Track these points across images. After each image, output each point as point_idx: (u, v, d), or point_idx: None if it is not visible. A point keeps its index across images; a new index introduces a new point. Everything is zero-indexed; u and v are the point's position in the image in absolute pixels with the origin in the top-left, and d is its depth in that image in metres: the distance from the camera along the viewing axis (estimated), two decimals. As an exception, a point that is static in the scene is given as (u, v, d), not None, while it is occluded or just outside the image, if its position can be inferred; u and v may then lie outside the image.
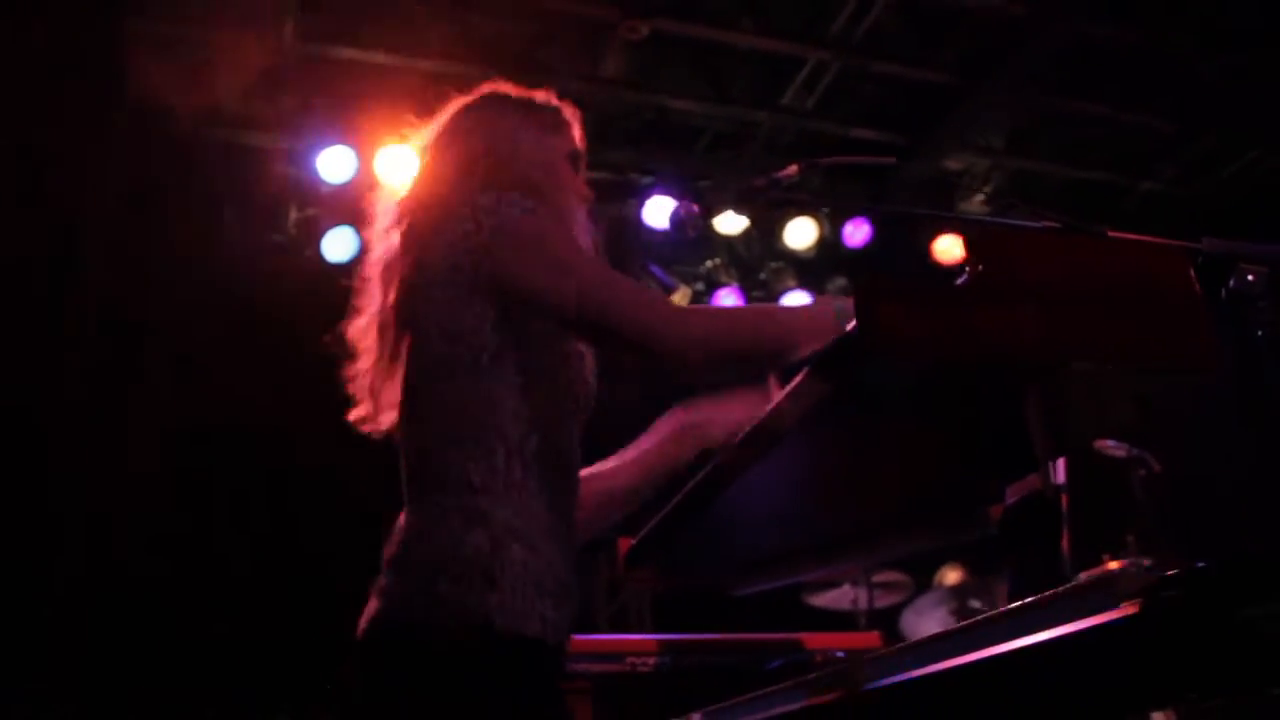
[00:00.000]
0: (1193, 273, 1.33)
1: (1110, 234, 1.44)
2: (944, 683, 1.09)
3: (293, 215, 6.11)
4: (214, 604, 5.40)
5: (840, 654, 2.54)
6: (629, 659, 2.37)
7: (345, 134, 5.78)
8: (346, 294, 1.97)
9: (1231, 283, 1.43)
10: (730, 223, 6.58)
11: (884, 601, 5.13)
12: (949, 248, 7.43)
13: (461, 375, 1.66)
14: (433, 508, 1.64)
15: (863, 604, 4.95)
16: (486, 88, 1.99)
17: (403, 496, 1.74)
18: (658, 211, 6.06)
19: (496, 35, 5.76)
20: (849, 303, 1.67)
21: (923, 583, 5.41)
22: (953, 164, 7.31)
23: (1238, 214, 7.42)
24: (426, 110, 2.04)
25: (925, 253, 7.22)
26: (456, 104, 1.99)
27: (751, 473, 1.65)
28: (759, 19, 5.91)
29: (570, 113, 1.99)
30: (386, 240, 1.92)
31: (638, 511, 2.01)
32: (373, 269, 1.93)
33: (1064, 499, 1.56)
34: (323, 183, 5.79)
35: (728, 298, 6.89)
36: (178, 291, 5.76)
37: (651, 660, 2.42)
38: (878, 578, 4.96)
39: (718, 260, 6.92)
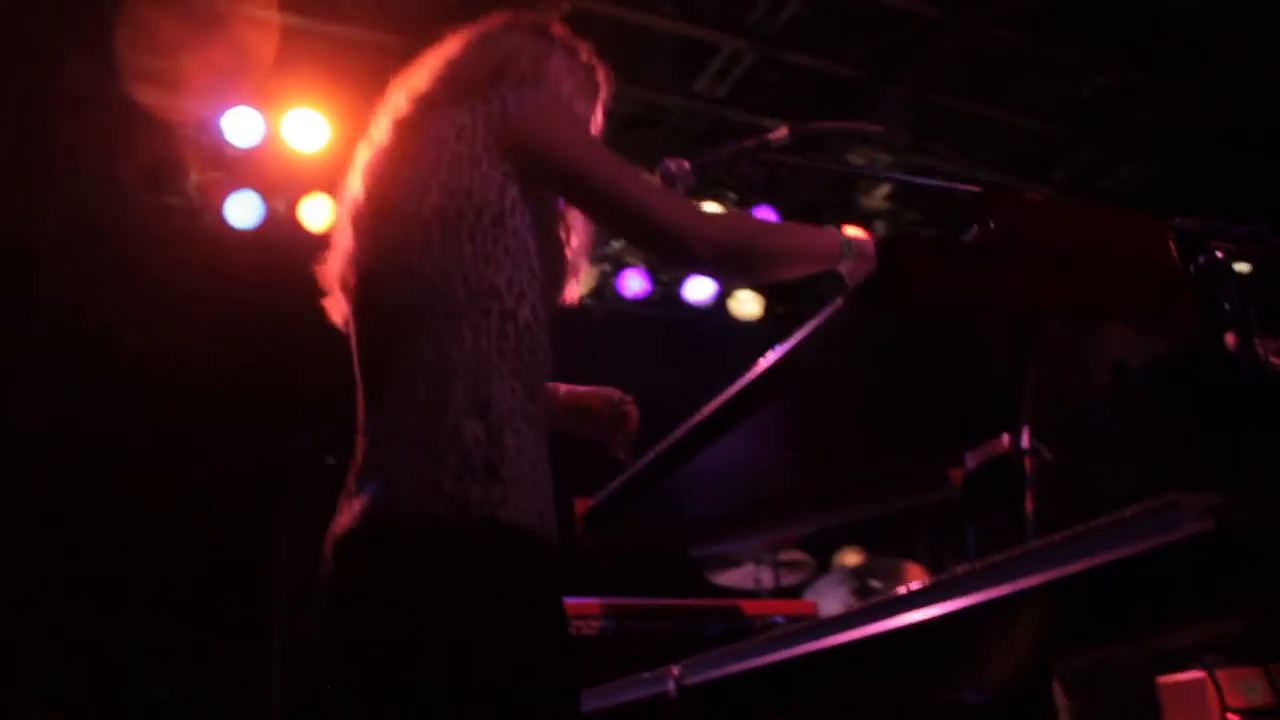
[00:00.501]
0: (1174, 246, 1.40)
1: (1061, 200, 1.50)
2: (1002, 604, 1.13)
3: (192, 178, 5.94)
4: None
5: (779, 619, 2.59)
6: (574, 622, 2.37)
7: (252, 97, 5.64)
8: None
9: (1201, 259, 1.50)
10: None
11: (787, 580, 5.24)
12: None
13: (457, 228, 1.59)
14: (421, 382, 1.54)
15: (766, 582, 5.04)
16: (531, 17, 1.91)
17: (366, 377, 1.66)
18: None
19: (412, 3, 5.69)
20: (855, 237, 1.71)
21: (824, 563, 5.55)
22: (856, 158, 7.47)
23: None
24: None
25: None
26: (497, 19, 1.90)
27: (723, 437, 1.68)
28: (680, 4, 5.94)
29: (604, 75, 1.95)
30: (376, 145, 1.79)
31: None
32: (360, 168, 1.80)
33: (1028, 462, 1.63)
34: (228, 146, 5.63)
35: (633, 280, 6.94)
36: (70, 249, 5.57)
37: (596, 624, 2.43)
38: (781, 557, 5.06)
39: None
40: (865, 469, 1.87)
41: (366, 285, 1.70)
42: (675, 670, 1.57)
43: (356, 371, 1.69)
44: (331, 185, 5.85)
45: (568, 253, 1.78)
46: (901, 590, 1.35)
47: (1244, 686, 5.00)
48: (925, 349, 1.45)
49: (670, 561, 3.14)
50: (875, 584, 5.12)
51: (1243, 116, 7.02)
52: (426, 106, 1.74)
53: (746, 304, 7.47)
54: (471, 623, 1.42)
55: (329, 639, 1.52)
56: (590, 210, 1.73)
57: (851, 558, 5.78)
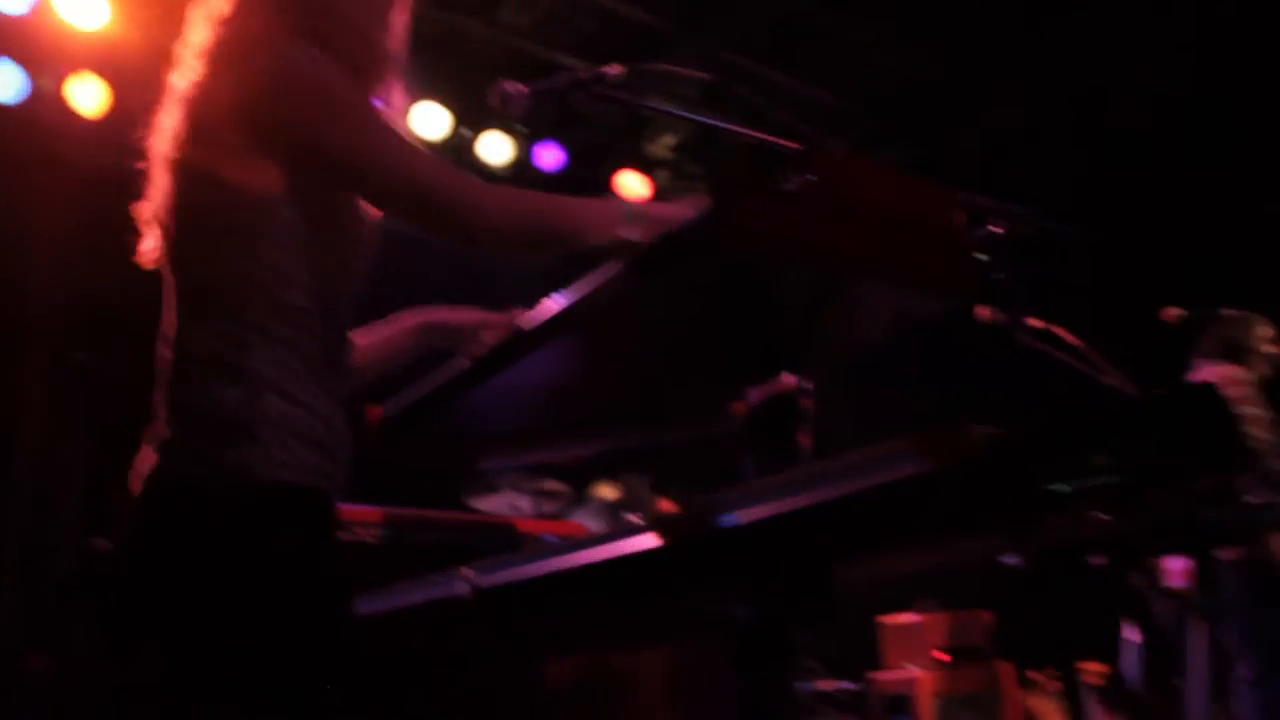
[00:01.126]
0: (962, 213, 1.55)
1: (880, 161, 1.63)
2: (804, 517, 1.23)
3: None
4: None
5: (552, 538, 2.68)
6: (356, 528, 2.39)
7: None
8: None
9: (980, 232, 1.67)
10: (430, 126, 6.52)
11: (545, 509, 5.33)
12: (632, 184, 7.75)
13: (220, 225, 1.64)
14: (189, 361, 1.64)
15: (525, 509, 5.11)
16: None
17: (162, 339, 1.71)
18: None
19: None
20: (635, 205, 1.79)
21: (580, 495, 5.69)
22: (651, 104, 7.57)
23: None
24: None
25: (609, 187, 7.48)
26: None
27: (525, 359, 1.75)
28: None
29: None
30: (190, 71, 1.79)
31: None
32: (174, 101, 1.79)
33: (809, 400, 1.77)
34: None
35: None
36: None
37: (376, 531, 2.46)
38: (540, 486, 5.14)
39: (435, 157, 6.84)
40: (656, 397, 1.97)
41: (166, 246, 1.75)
42: (468, 572, 1.64)
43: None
44: (106, 67, 5.56)
45: (358, 226, 1.79)
46: (676, 507, 1.47)
47: (955, 628, 5.52)
48: (729, 291, 1.55)
49: (432, 485, 3.19)
50: (630, 517, 5.30)
51: (1020, 118, 7.55)
52: (217, 51, 1.74)
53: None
54: (235, 577, 1.52)
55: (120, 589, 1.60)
56: (368, 198, 1.75)
57: (605, 491, 5.95)
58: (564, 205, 1.77)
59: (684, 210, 1.67)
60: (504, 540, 2.66)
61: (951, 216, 1.53)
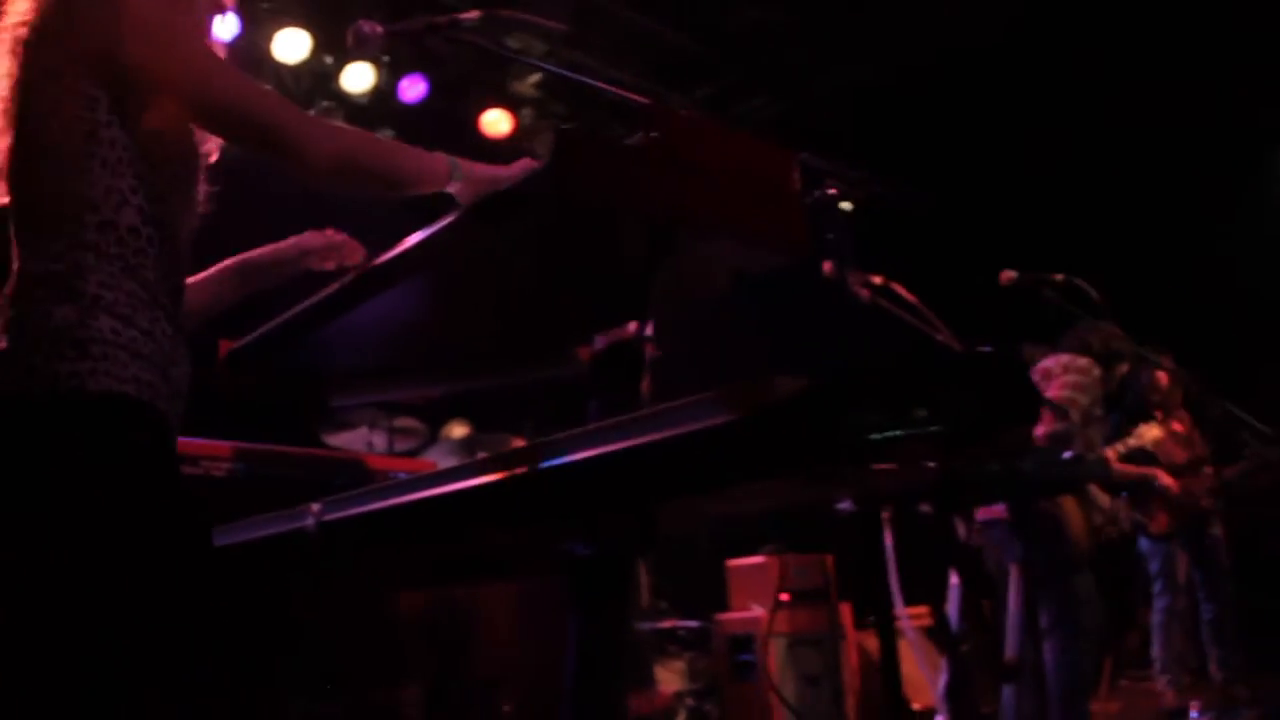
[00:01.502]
0: (797, 174, 1.63)
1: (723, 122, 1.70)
2: (587, 470, 1.31)
3: None
4: None
5: (402, 475, 2.71)
6: (203, 462, 2.39)
7: None
8: None
9: (816, 193, 1.76)
10: (289, 50, 6.37)
11: (400, 446, 5.37)
12: (496, 120, 7.70)
13: (52, 144, 1.65)
14: (24, 280, 1.65)
15: (379, 446, 5.14)
16: None
17: None
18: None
19: None
20: (461, 162, 1.83)
21: (434, 433, 5.73)
22: (513, 42, 7.52)
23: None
24: None
25: (473, 123, 7.43)
26: None
27: (376, 298, 1.78)
28: None
29: None
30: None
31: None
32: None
33: (649, 348, 1.85)
34: None
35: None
36: None
37: (226, 465, 2.46)
38: (395, 423, 5.17)
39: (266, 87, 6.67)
40: (504, 340, 2.03)
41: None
42: (315, 507, 1.68)
43: None
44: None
45: (193, 153, 1.80)
46: (520, 445, 1.53)
47: (798, 571, 5.73)
48: (572, 240, 1.61)
49: (288, 421, 3.18)
50: (482, 455, 5.36)
51: (876, 76, 7.76)
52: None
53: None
54: (69, 488, 1.53)
55: None
56: (201, 119, 1.75)
57: (459, 430, 6.00)
58: (391, 148, 1.81)
59: (513, 172, 1.73)
60: (354, 476, 2.68)
61: (787, 177, 1.61)
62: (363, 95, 6.84)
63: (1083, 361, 4.66)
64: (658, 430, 1.23)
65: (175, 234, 1.76)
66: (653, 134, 1.40)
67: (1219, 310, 7.47)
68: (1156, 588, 6.63)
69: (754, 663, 5.40)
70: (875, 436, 1.22)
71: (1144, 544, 6.65)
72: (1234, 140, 7.90)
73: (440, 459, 5.38)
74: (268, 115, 1.69)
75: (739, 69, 8.02)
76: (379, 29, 1.89)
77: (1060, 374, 4.61)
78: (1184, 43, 7.06)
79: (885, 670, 1.70)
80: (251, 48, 6.24)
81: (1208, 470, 6.25)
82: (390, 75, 6.95)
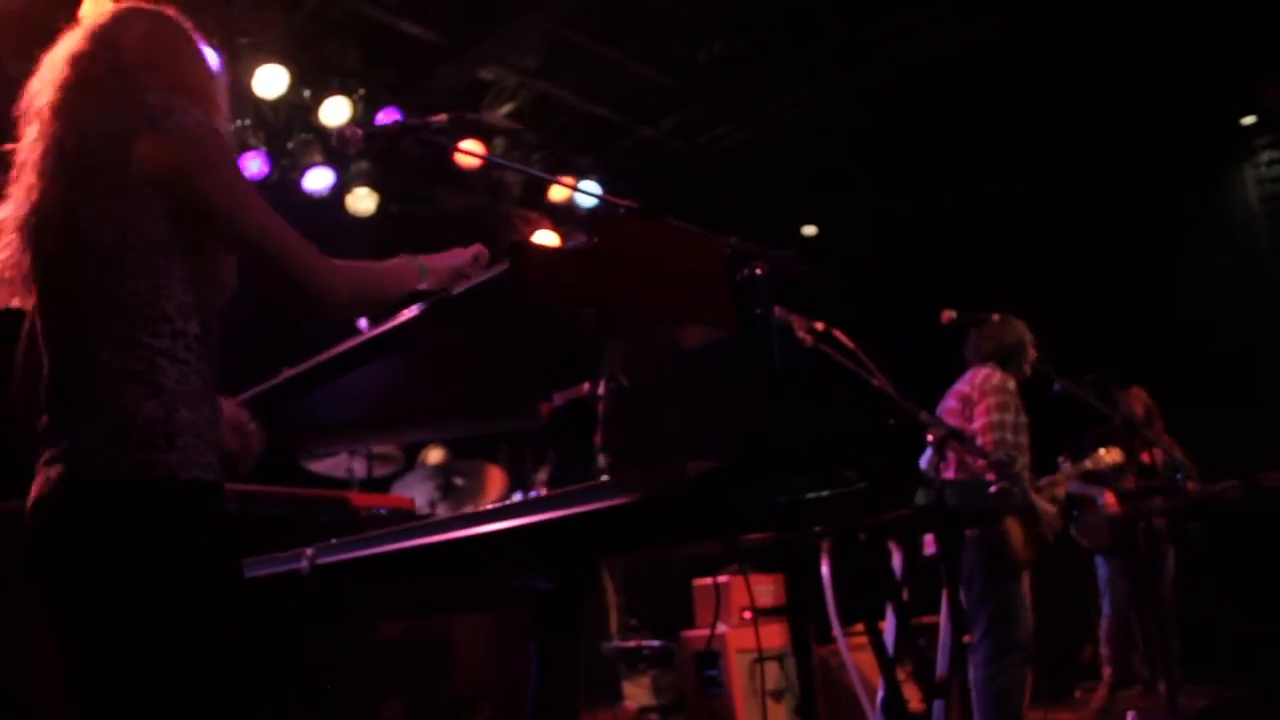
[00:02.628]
0: (725, 259, 1.89)
1: (672, 221, 1.95)
2: (533, 532, 1.57)
3: None
4: None
5: (383, 511, 2.95)
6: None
7: None
8: None
9: (743, 273, 2.01)
10: (268, 85, 6.59)
11: (378, 472, 5.58)
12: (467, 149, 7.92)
13: (131, 265, 1.86)
14: (105, 378, 1.85)
15: (359, 472, 5.36)
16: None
17: (51, 360, 1.93)
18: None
19: None
20: (428, 259, 2.08)
21: (412, 459, 5.96)
22: (485, 74, 7.76)
23: (705, 170, 8.67)
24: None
25: (448, 154, 7.65)
26: (115, 6, 2.08)
27: (357, 370, 2.04)
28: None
29: (216, 57, 2.19)
30: (39, 120, 1.98)
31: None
32: (28, 153, 1.99)
33: (600, 405, 2.11)
34: None
35: (252, 162, 6.89)
36: None
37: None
38: (376, 449, 5.38)
39: (247, 121, 6.89)
40: (475, 398, 2.28)
41: (49, 273, 1.96)
42: (309, 551, 1.92)
43: (42, 344, 1.97)
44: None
45: (222, 261, 2.02)
46: (489, 505, 1.79)
47: (758, 590, 5.98)
48: (533, 320, 1.86)
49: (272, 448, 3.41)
50: (458, 481, 5.59)
51: (828, 101, 8.05)
52: (71, 108, 1.95)
53: (363, 200, 7.61)
54: (160, 555, 1.80)
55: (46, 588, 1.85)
56: (240, 255, 1.99)
57: (435, 455, 6.23)
58: (379, 275, 2.06)
59: (464, 257, 2.00)
60: (339, 512, 2.92)
61: (717, 263, 1.87)
62: (339, 126, 7.04)
63: (996, 379, 4.89)
64: (587, 502, 1.48)
65: (216, 340, 2.01)
66: (594, 238, 1.65)
67: (1166, 340, 7.75)
68: (1104, 601, 7.00)
69: (718, 677, 5.65)
70: (782, 500, 1.47)
71: (1097, 559, 7.01)
72: (1180, 169, 8.21)
73: (419, 483, 5.61)
74: (299, 261, 1.93)
75: (705, 100, 8.29)
76: (358, 131, 2.14)
77: (979, 400, 4.84)
78: (1131, 71, 7.36)
79: (802, 685, 1.94)
80: (232, 82, 6.46)
81: (1158, 501, 6.57)
82: (366, 108, 7.16)
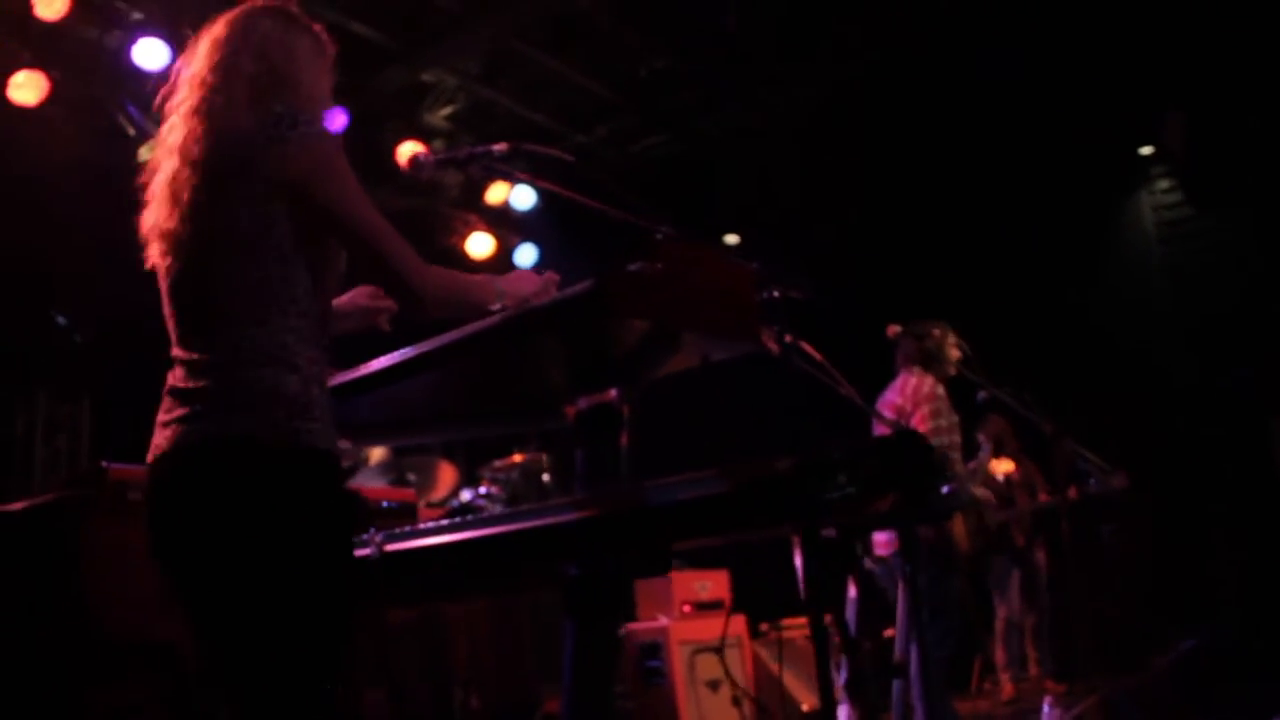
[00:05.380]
0: (754, 282, 2.14)
1: (705, 245, 2.19)
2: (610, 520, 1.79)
3: None
4: None
5: (386, 504, 3.13)
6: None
7: None
8: None
9: (765, 294, 2.26)
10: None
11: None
12: (408, 149, 8.05)
13: (266, 257, 2.05)
14: (247, 355, 2.03)
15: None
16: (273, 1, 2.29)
17: (188, 332, 2.11)
18: (147, 53, 6.04)
19: None
20: (504, 282, 2.30)
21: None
22: (427, 77, 7.90)
23: (639, 178, 8.95)
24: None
25: (390, 152, 7.76)
26: (247, 4, 2.26)
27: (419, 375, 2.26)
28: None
29: (327, 39, 2.35)
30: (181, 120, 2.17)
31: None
32: (168, 141, 2.17)
33: (626, 409, 2.34)
34: None
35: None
36: None
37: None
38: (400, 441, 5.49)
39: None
40: (510, 400, 2.49)
41: (186, 263, 2.14)
42: (378, 537, 2.12)
43: (172, 321, 2.16)
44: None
45: (337, 254, 2.23)
46: (546, 503, 2.01)
47: (698, 585, 6.24)
48: (586, 336, 2.09)
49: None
50: (411, 476, 5.75)
51: (757, 119, 8.38)
52: (211, 110, 2.14)
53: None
54: (304, 512, 1.99)
55: (174, 536, 2.02)
56: (352, 251, 2.20)
57: (378, 453, 6.36)
58: (466, 284, 2.29)
59: (535, 282, 2.22)
60: (350, 505, 3.09)
61: (748, 286, 2.11)
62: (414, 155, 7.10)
63: (926, 387, 5.24)
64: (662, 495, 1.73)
65: (331, 325, 2.22)
66: (658, 264, 1.88)
67: (1075, 353, 8.23)
68: (995, 601, 7.55)
69: (661, 668, 5.89)
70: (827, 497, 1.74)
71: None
72: (1089, 190, 8.70)
73: (372, 479, 5.75)
74: (402, 262, 2.15)
75: (637, 111, 8.54)
76: (430, 157, 2.35)
77: (913, 410, 5.19)
78: (1039, 91, 7.81)
79: (820, 672, 2.19)
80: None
81: (1024, 508, 7.07)
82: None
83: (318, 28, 2.35)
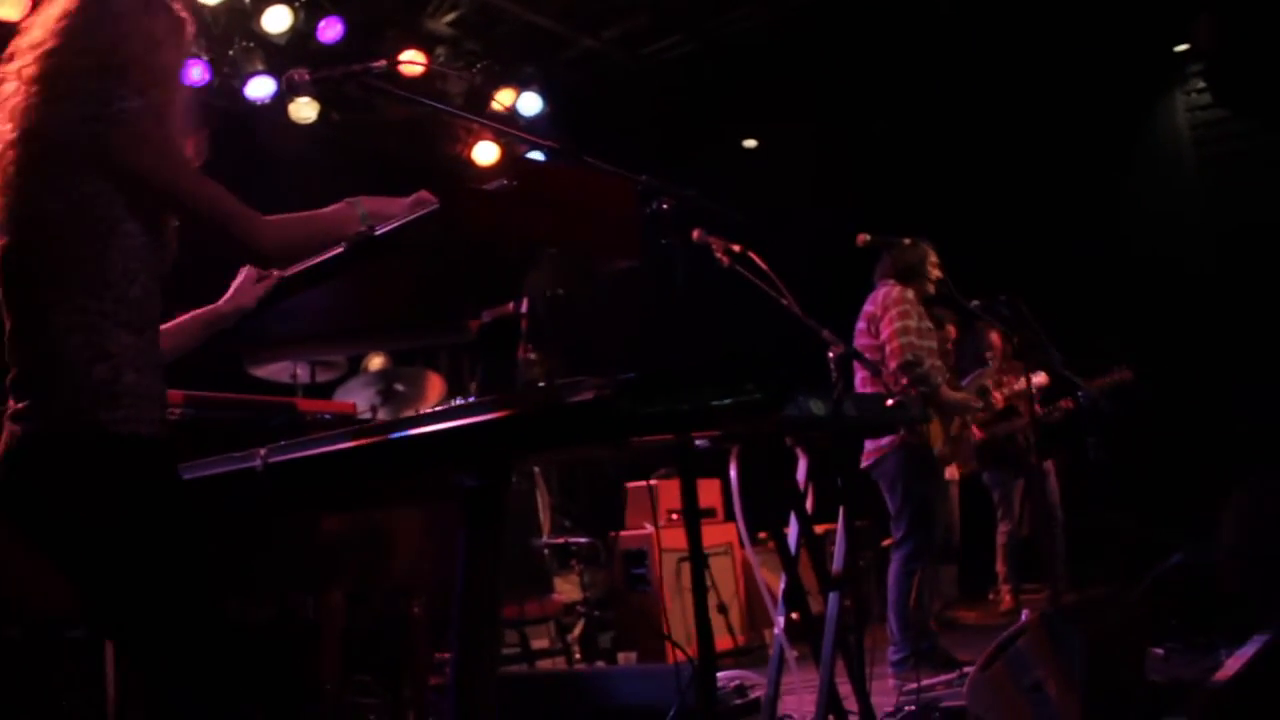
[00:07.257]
0: (635, 196, 2.13)
1: (588, 161, 2.18)
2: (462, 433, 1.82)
3: None
4: None
5: (327, 416, 3.19)
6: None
7: None
8: None
9: (652, 206, 2.25)
10: (207, -7, 6.60)
11: (321, 377, 5.77)
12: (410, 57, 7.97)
13: (78, 234, 2.07)
14: (57, 339, 2.06)
15: (302, 377, 5.55)
16: None
17: (10, 321, 2.14)
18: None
19: None
20: (368, 204, 2.29)
21: (354, 365, 6.17)
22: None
23: (645, 82, 8.79)
24: None
25: (390, 61, 7.68)
26: None
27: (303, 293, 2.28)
28: None
29: (191, 22, 2.34)
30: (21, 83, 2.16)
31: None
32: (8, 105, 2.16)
33: (523, 322, 2.36)
34: None
35: (194, 69, 6.90)
36: None
37: (178, 411, 2.91)
38: (319, 356, 5.57)
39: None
40: (413, 316, 2.51)
41: (5, 237, 2.15)
42: (262, 451, 2.17)
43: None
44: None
45: (169, 231, 2.24)
46: (425, 409, 2.04)
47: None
48: (457, 254, 2.10)
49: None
50: (399, 387, 5.82)
51: (772, 17, 8.19)
52: (45, 80, 2.13)
53: (305, 108, 7.64)
54: (115, 497, 2.06)
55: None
56: (183, 221, 2.22)
57: (377, 362, 6.43)
58: (312, 222, 2.29)
59: (403, 205, 2.22)
60: (286, 417, 3.15)
61: (627, 200, 2.11)
62: (281, 36, 7.03)
63: (895, 293, 5.22)
64: (508, 409, 1.74)
65: (158, 305, 2.22)
66: (515, 181, 1.88)
67: (1102, 260, 8.07)
68: (998, 514, 7.54)
69: (646, 575, 5.99)
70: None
71: (986, 477, 7.51)
72: (1119, 88, 8.41)
73: (360, 389, 5.83)
74: (233, 221, 2.17)
75: (648, 12, 8.37)
76: (306, 75, 2.33)
77: (882, 315, 5.18)
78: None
79: (695, 576, 2.23)
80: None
81: (1022, 420, 6.92)
82: (308, 17, 7.17)
83: (178, 5, 2.32)
